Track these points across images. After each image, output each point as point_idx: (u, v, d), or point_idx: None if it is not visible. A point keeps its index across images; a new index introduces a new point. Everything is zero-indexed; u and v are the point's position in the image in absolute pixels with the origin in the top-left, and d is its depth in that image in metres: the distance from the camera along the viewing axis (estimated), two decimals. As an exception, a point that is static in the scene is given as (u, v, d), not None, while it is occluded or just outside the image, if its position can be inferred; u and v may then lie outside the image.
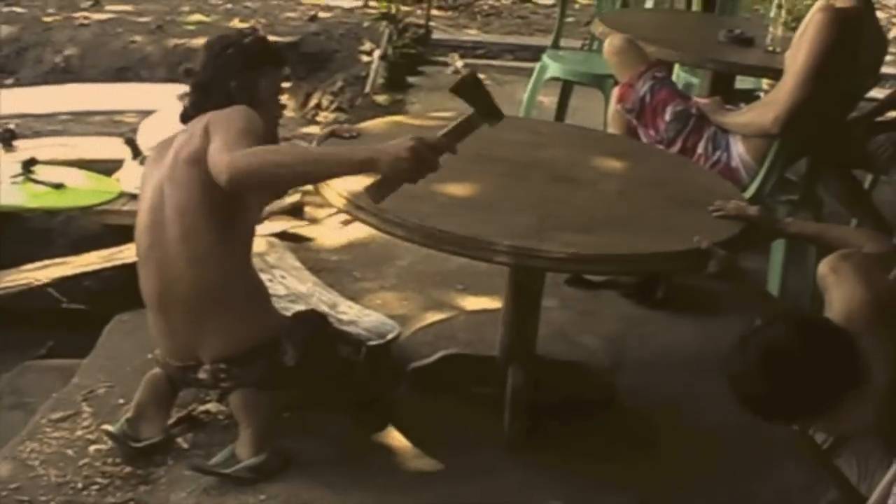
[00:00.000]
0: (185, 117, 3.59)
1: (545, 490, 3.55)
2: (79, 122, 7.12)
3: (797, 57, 4.45)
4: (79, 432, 3.67)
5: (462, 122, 3.12)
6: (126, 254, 4.97)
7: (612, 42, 4.97)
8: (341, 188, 3.36)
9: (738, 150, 4.65)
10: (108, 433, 3.58)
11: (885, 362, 2.94)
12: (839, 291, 3.07)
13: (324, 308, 3.99)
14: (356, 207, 3.33)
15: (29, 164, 5.61)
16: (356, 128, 3.97)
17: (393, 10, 8.26)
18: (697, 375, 4.32)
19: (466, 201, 3.49)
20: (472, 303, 4.76)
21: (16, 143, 6.07)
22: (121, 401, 3.79)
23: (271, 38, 4.06)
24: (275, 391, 3.54)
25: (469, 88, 3.13)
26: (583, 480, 3.62)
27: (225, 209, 3.36)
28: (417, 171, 3.00)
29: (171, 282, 3.43)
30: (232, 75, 3.56)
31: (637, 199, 3.74)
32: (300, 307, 3.88)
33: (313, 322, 3.68)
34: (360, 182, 3.16)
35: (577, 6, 10.20)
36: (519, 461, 3.68)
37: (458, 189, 3.52)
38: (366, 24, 9.05)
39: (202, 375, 3.51)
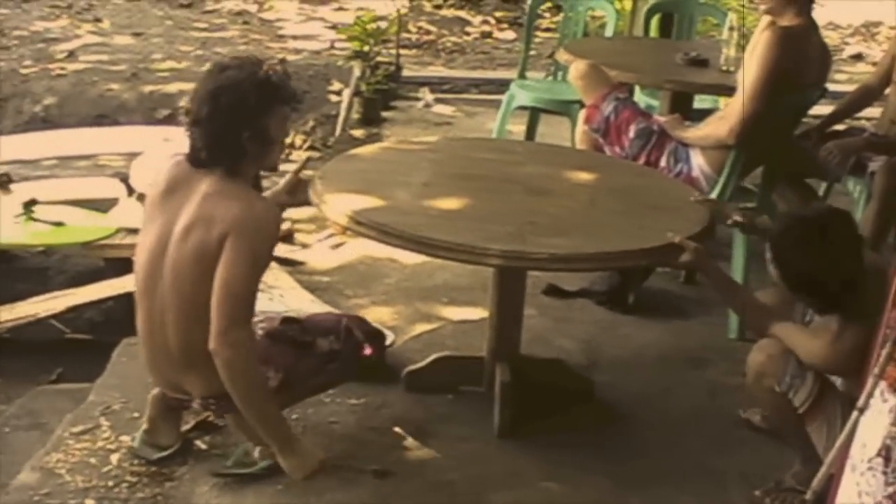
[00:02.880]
0: (198, 162, 3.53)
1: (534, 474, 3.84)
2: (64, 167, 7.23)
3: (748, 72, 4.78)
4: (99, 443, 3.89)
5: None
6: (127, 283, 5.22)
7: (576, 67, 5.26)
8: (343, 207, 3.70)
9: (698, 161, 4.95)
10: (132, 449, 3.80)
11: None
12: None
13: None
14: (357, 223, 3.65)
15: (29, 205, 5.78)
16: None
17: (366, 49, 8.55)
18: (667, 371, 4.68)
19: (453, 213, 3.77)
20: (457, 314, 5.01)
21: (12, 186, 6.21)
22: (135, 414, 4.01)
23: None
24: None
25: None
26: (567, 465, 3.90)
27: None
28: None
29: (160, 327, 3.60)
30: (242, 126, 3.43)
31: (608, 205, 4.03)
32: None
33: (286, 336, 3.80)
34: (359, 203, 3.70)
35: (537, 40, 10.44)
36: (509, 450, 3.96)
37: (444, 203, 3.82)
38: (339, 63, 9.30)
39: (195, 405, 3.73)
